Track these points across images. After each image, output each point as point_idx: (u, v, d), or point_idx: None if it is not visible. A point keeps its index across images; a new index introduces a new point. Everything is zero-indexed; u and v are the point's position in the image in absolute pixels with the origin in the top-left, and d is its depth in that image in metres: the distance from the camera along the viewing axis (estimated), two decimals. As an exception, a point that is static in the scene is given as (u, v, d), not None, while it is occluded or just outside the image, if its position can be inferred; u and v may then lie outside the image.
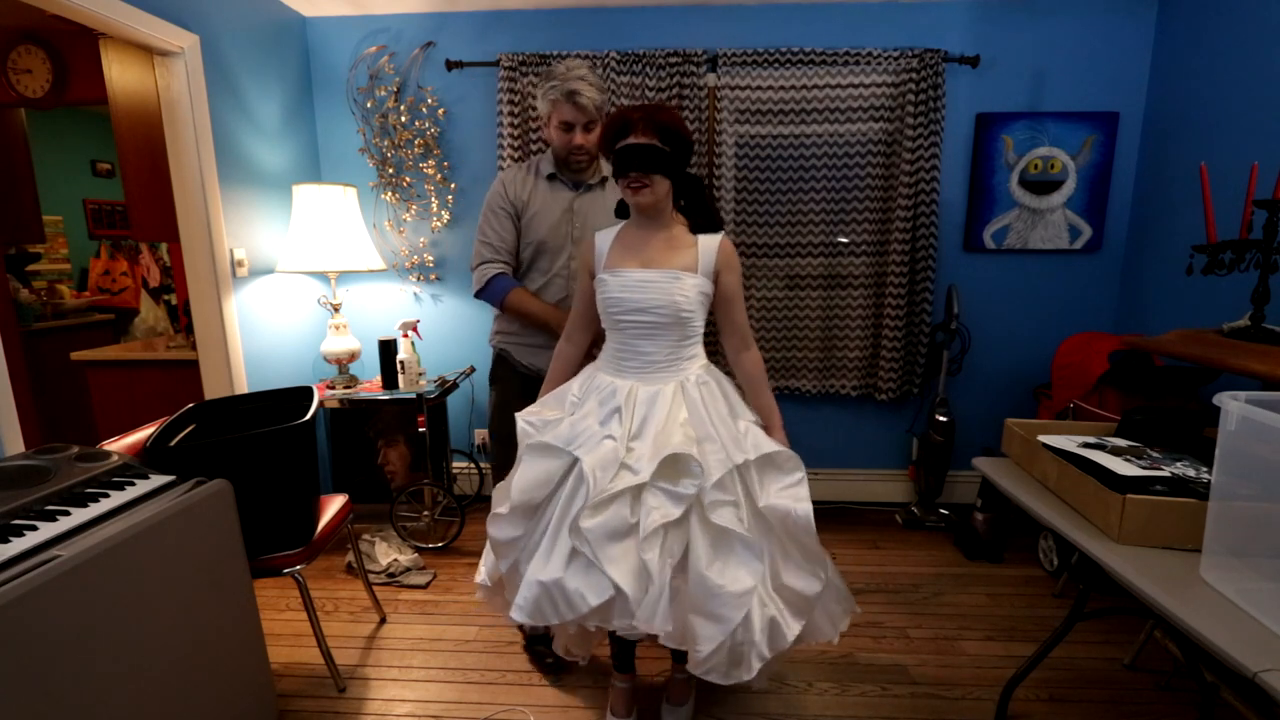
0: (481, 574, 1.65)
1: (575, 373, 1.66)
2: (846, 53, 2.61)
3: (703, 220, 1.56)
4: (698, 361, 1.55)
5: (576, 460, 1.40)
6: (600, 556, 1.31)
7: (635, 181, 1.43)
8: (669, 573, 1.34)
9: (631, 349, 1.51)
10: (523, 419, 1.52)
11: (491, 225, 1.86)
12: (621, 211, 1.62)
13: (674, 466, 1.37)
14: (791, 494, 1.40)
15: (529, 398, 1.79)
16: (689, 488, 1.35)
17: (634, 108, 1.44)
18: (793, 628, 1.37)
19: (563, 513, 1.39)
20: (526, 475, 1.42)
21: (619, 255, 1.53)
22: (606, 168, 1.86)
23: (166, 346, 2.81)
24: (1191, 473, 1.30)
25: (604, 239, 1.57)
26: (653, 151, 1.40)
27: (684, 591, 1.35)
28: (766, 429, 1.55)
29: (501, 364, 1.98)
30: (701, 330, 1.56)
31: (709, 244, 1.51)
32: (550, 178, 1.88)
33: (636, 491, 1.36)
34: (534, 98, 2.69)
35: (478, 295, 1.86)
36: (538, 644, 1.97)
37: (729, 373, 1.65)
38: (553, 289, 1.87)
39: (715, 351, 2.54)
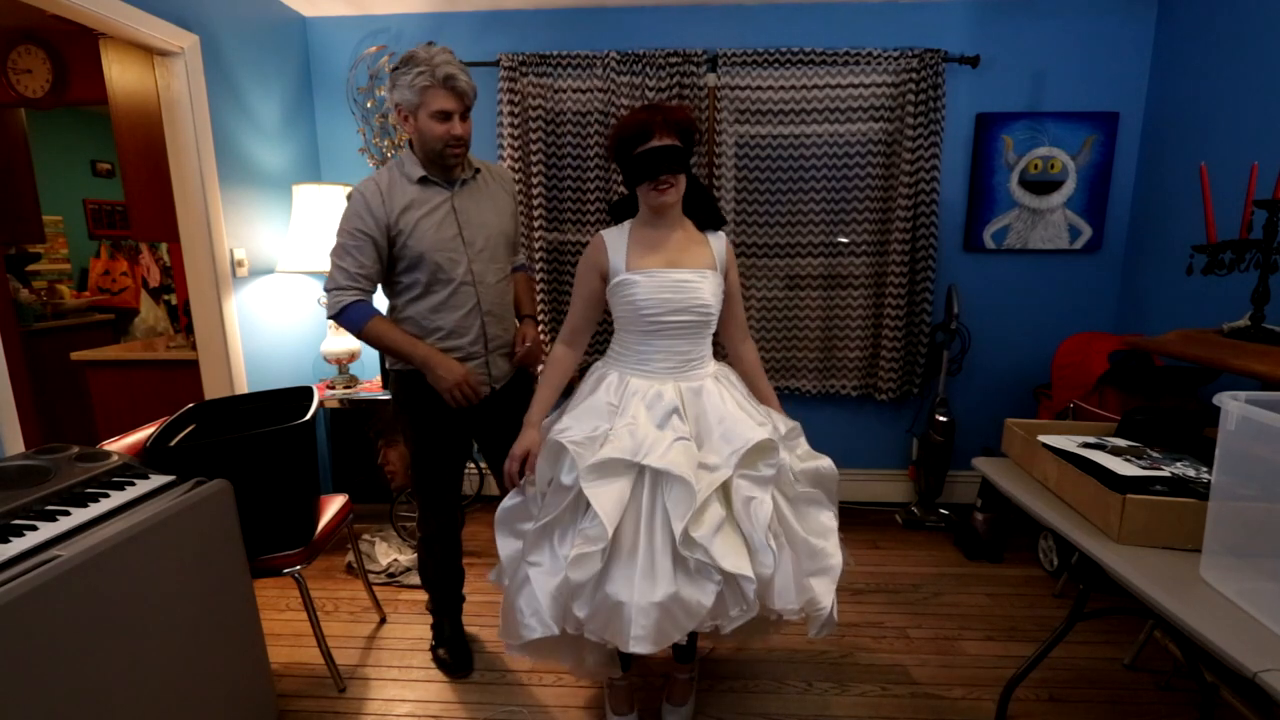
0: (534, 627, 1.41)
1: (570, 377, 1.65)
2: (846, 53, 2.61)
3: (708, 217, 1.59)
4: (711, 355, 1.61)
5: (643, 469, 1.35)
6: (716, 557, 1.30)
7: (664, 183, 1.43)
8: (784, 551, 1.40)
9: (667, 349, 1.51)
10: (567, 440, 1.39)
11: (349, 252, 1.61)
12: (619, 212, 1.61)
13: (753, 453, 1.39)
14: (810, 454, 1.58)
15: (463, 416, 1.74)
16: (768, 469, 1.38)
17: (649, 109, 1.44)
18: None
19: (649, 526, 1.34)
20: (608, 501, 1.32)
21: (642, 255, 1.50)
22: (477, 160, 1.77)
23: (166, 346, 2.81)
24: (1191, 473, 1.30)
25: (615, 239, 1.53)
26: (677, 152, 1.42)
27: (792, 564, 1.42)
28: None
29: (415, 387, 1.72)
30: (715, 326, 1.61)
31: (719, 242, 1.58)
32: (422, 181, 1.65)
33: (723, 486, 1.38)
34: (534, 97, 2.71)
35: (332, 318, 1.66)
36: (439, 647, 1.99)
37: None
38: (461, 297, 1.70)
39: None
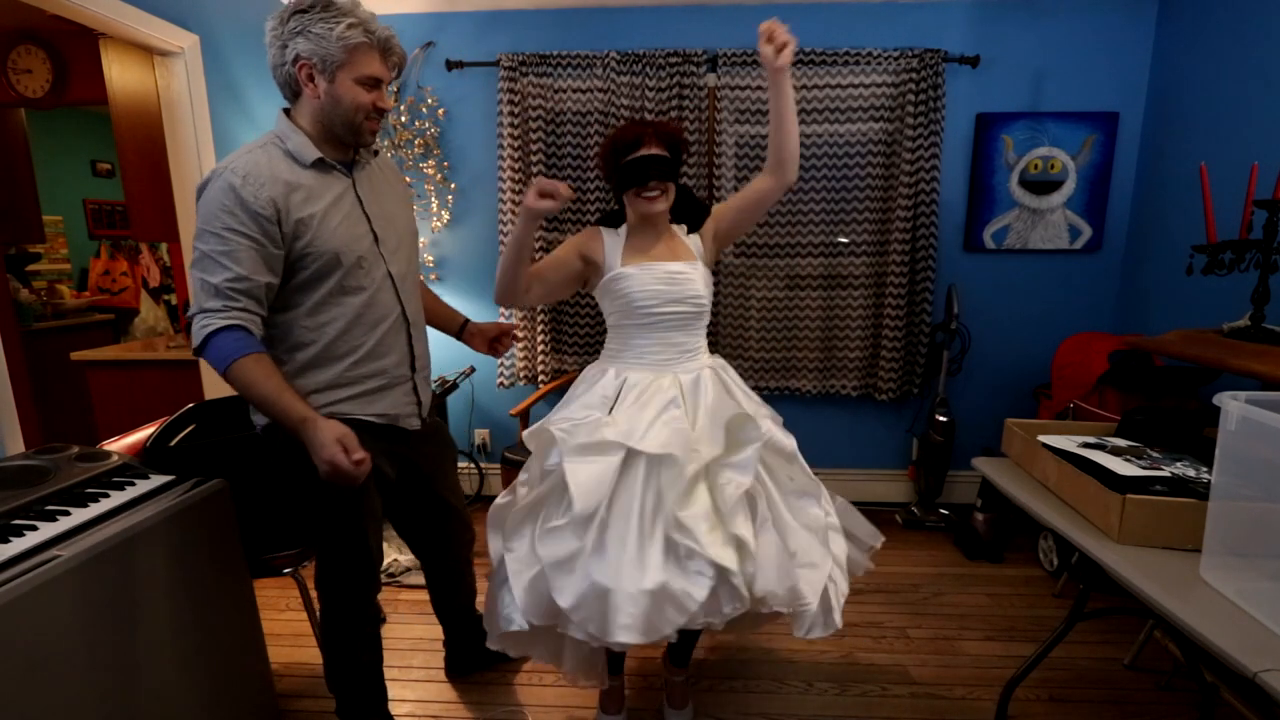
0: (516, 619, 1.39)
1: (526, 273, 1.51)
2: (846, 53, 2.61)
3: (696, 218, 1.62)
4: (705, 348, 1.62)
5: (635, 455, 1.35)
6: (703, 545, 1.28)
7: (652, 188, 1.47)
8: (768, 533, 1.38)
9: (663, 341, 1.52)
10: (555, 428, 1.40)
11: (218, 261, 1.20)
12: (609, 221, 1.62)
13: (734, 438, 1.39)
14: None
15: (381, 461, 1.42)
16: (749, 450, 1.37)
17: (641, 123, 1.50)
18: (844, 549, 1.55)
19: (641, 514, 1.32)
20: (585, 477, 1.31)
21: (635, 255, 1.53)
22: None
23: (166, 346, 2.81)
24: (1191, 473, 1.30)
25: (613, 239, 1.55)
26: (665, 161, 1.47)
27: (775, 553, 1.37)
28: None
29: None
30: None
31: (693, 239, 1.61)
32: (318, 165, 1.31)
33: (706, 472, 1.38)
34: (534, 97, 2.71)
35: (196, 353, 1.23)
36: None
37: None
38: (382, 307, 1.39)
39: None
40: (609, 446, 1.35)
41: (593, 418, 1.43)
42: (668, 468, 1.33)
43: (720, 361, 1.63)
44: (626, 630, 1.24)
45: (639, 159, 1.44)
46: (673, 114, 2.65)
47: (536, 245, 2.76)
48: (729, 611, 1.32)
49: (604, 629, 1.27)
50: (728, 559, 1.29)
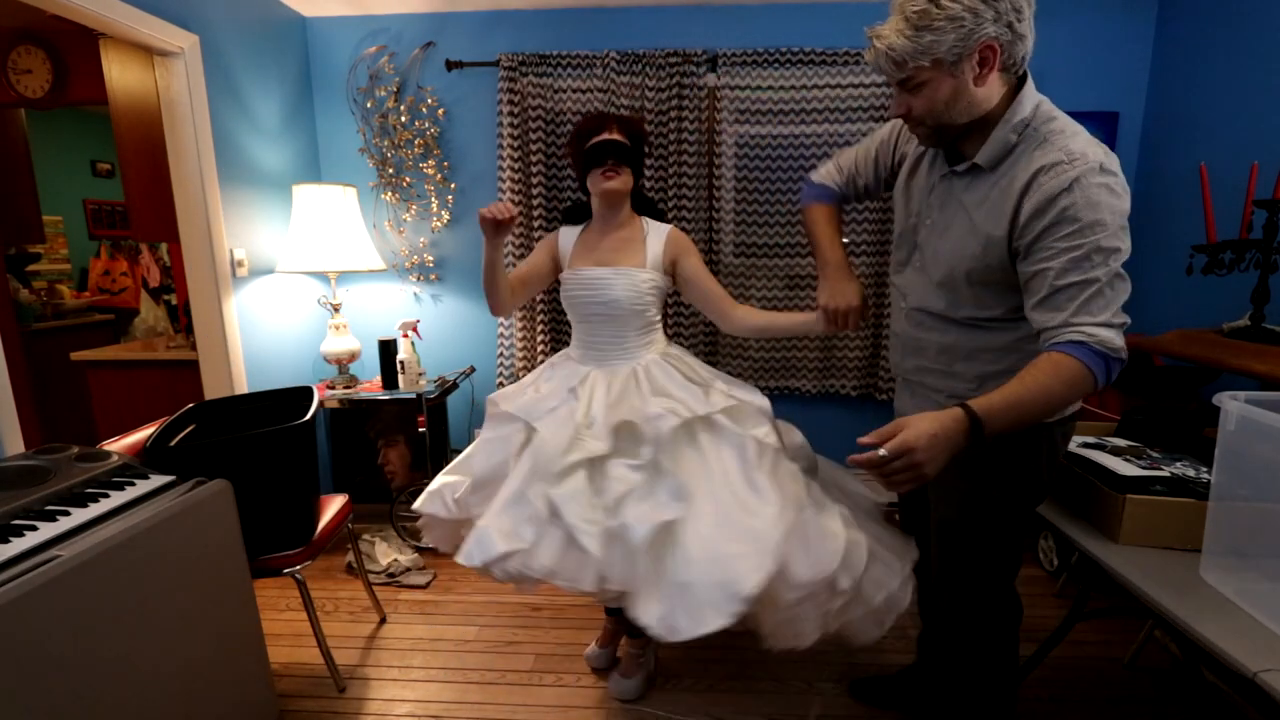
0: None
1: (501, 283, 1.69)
2: (846, 53, 2.60)
3: (650, 211, 1.77)
4: (655, 348, 1.69)
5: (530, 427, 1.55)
6: (563, 514, 1.39)
7: (610, 169, 1.59)
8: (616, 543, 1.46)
9: (587, 336, 1.69)
10: (496, 395, 1.72)
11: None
12: (574, 216, 1.76)
13: (623, 442, 1.48)
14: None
15: None
16: (640, 459, 1.45)
17: (603, 114, 1.71)
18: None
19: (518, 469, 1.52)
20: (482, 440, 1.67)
21: (578, 256, 1.71)
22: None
23: (166, 346, 2.81)
24: (1191, 473, 1.30)
25: (568, 237, 1.73)
26: (624, 147, 1.61)
27: None
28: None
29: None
30: (658, 320, 1.72)
31: (656, 238, 1.68)
32: None
33: (590, 464, 1.46)
34: (534, 97, 2.71)
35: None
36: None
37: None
38: None
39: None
40: (513, 418, 1.60)
41: (527, 395, 1.67)
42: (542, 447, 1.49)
43: (661, 359, 1.66)
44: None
45: (601, 143, 1.58)
46: (672, 114, 2.65)
47: (537, 240, 2.76)
48: (588, 586, 1.37)
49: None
50: (581, 531, 1.36)
